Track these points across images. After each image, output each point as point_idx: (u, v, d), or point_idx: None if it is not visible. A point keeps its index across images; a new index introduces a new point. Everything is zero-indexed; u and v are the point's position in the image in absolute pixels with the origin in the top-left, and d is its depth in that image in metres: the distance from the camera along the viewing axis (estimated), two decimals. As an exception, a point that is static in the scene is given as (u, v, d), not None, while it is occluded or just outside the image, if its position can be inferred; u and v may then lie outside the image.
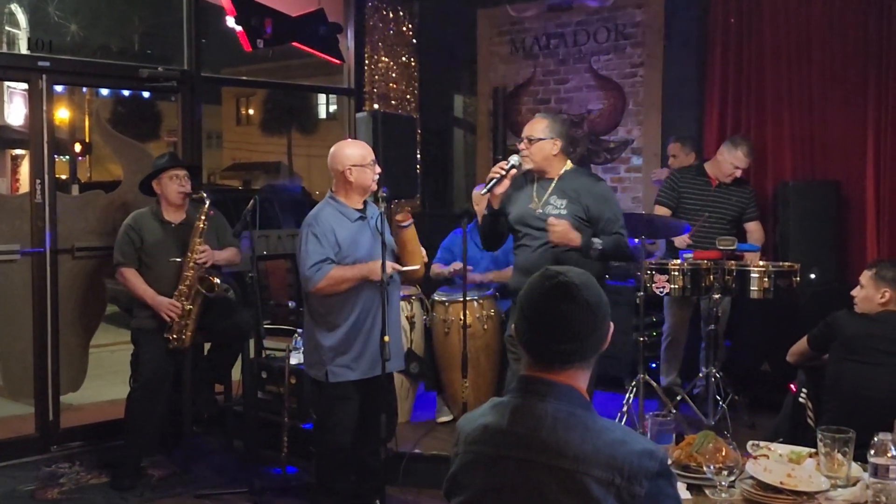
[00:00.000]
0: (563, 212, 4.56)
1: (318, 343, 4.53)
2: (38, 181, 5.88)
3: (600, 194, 4.63)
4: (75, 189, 16.80)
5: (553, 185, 4.65)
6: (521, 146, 4.69)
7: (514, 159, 4.61)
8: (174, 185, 5.51)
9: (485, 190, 4.62)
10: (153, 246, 5.44)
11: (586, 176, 4.82)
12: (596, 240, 4.49)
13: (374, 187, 4.57)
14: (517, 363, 4.62)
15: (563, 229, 4.44)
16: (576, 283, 2.05)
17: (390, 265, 4.39)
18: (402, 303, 5.45)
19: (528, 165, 4.67)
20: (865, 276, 4.23)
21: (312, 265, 4.39)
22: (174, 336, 5.34)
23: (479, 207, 5.64)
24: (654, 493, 1.91)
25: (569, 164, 4.74)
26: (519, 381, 2.10)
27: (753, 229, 6.21)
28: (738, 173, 6.10)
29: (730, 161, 6.05)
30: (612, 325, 2.11)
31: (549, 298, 2.04)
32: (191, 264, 5.38)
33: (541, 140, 4.62)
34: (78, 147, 21.10)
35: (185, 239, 5.50)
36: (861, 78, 6.34)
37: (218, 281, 5.44)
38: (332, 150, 4.60)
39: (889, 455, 2.66)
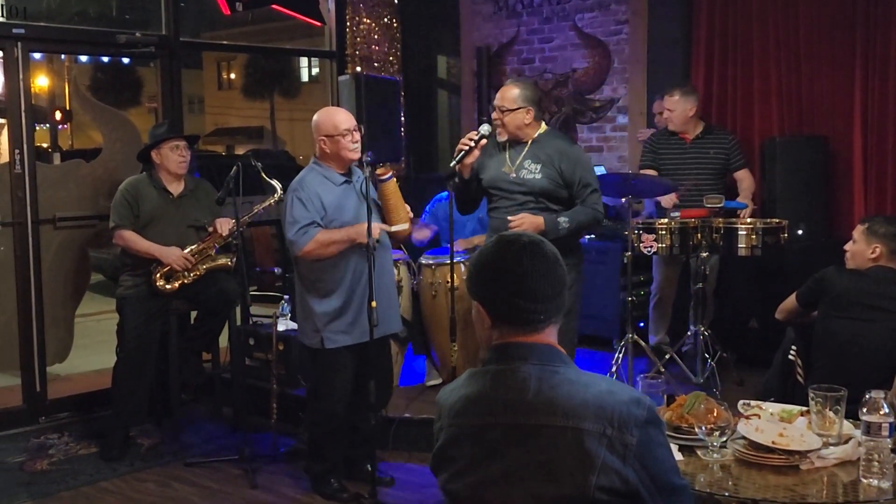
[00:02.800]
0: (538, 175, 4.57)
1: (310, 310, 4.50)
2: (17, 151, 5.79)
3: (574, 157, 4.63)
4: (57, 157, 16.65)
5: (527, 149, 4.65)
6: (494, 115, 4.65)
7: (484, 129, 4.59)
8: (175, 155, 5.41)
9: (454, 162, 4.60)
10: (150, 214, 5.35)
11: (560, 139, 4.81)
12: (561, 219, 4.50)
13: (353, 157, 4.49)
14: None
15: (526, 223, 4.45)
16: (539, 240, 2.06)
17: (377, 226, 4.36)
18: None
19: (502, 137, 4.65)
20: (858, 231, 4.20)
21: (299, 229, 4.36)
22: (161, 276, 5.28)
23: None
24: (645, 442, 1.90)
25: (542, 128, 4.73)
26: (496, 350, 2.06)
27: (742, 177, 6.15)
28: (673, 117, 6.09)
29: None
30: None
31: (521, 261, 2.01)
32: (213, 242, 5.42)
33: (513, 111, 4.60)
34: (58, 115, 20.92)
35: (185, 211, 5.44)
36: (848, 32, 6.29)
37: (230, 263, 5.41)
38: (313, 117, 4.57)
39: (881, 412, 2.65)
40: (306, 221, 4.36)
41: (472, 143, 4.55)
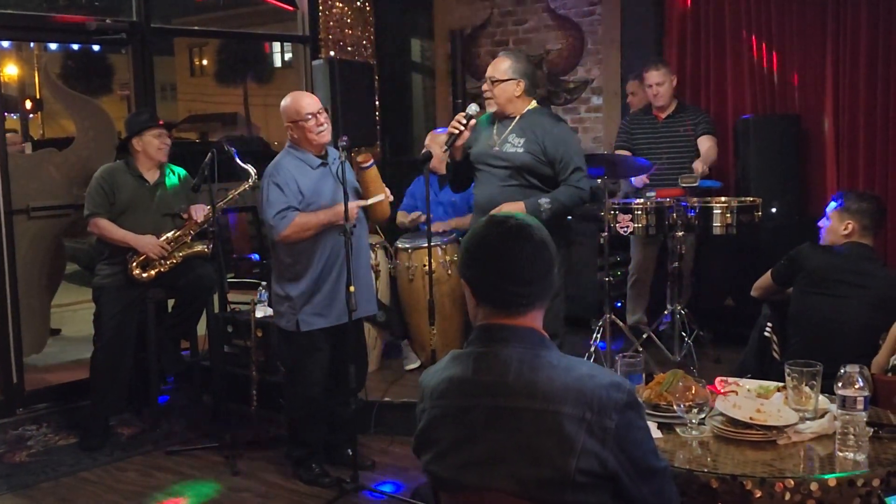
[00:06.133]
0: (520, 150, 4.53)
1: (286, 293, 4.51)
2: (-13, 141, 5.74)
3: (559, 136, 4.58)
4: (28, 147, 16.49)
5: (513, 123, 4.62)
6: (485, 87, 4.64)
7: (471, 109, 4.54)
8: (158, 142, 5.39)
9: (446, 147, 4.56)
10: (126, 202, 5.32)
11: (547, 116, 4.77)
12: (542, 200, 4.45)
13: (321, 140, 4.49)
14: None
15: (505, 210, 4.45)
16: (528, 223, 2.05)
17: (354, 204, 4.35)
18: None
19: (491, 108, 4.62)
20: (831, 208, 4.25)
21: (276, 213, 4.36)
22: (137, 265, 5.26)
23: (435, 149, 5.60)
24: (625, 425, 1.91)
25: (532, 104, 4.68)
26: (478, 330, 2.08)
27: (701, 142, 6.06)
28: (662, 91, 6.11)
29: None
30: None
31: (506, 243, 2.02)
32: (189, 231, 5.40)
33: (504, 81, 4.56)
34: (28, 104, 20.70)
35: (160, 199, 5.41)
36: (819, 11, 6.33)
37: (207, 250, 5.39)
38: (281, 103, 4.59)
39: (856, 387, 2.68)
40: (284, 206, 4.35)
41: (462, 126, 4.51)
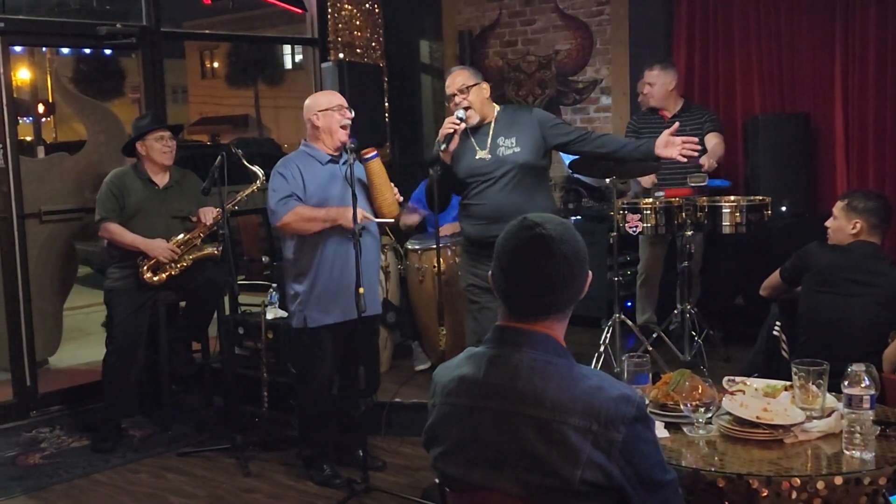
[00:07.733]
0: (518, 149, 4.52)
1: (294, 290, 4.59)
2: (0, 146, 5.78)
3: (543, 120, 4.62)
4: (41, 150, 16.59)
5: (492, 128, 4.60)
6: (458, 100, 4.56)
7: (460, 113, 4.52)
8: (160, 146, 5.41)
9: (443, 147, 4.51)
10: (135, 206, 5.35)
11: (517, 109, 4.86)
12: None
13: (342, 135, 4.54)
14: (479, 311, 4.62)
15: None
16: (552, 235, 2.01)
17: (361, 213, 4.38)
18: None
19: (474, 119, 4.57)
20: (838, 207, 4.24)
21: (279, 199, 4.45)
22: (148, 268, 5.29)
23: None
24: (632, 438, 1.91)
25: (497, 106, 4.71)
26: (494, 331, 2.09)
27: (708, 140, 5.99)
28: (653, 91, 6.12)
29: None
30: (590, 273, 2.09)
31: (524, 252, 2.01)
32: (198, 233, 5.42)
33: (474, 85, 4.56)
34: (41, 108, 20.82)
35: (170, 203, 5.44)
36: (828, 10, 6.31)
37: (217, 252, 5.41)
38: (306, 101, 4.68)
39: (863, 385, 2.69)
40: (286, 193, 4.45)
41: (456, 127, 4.49)
